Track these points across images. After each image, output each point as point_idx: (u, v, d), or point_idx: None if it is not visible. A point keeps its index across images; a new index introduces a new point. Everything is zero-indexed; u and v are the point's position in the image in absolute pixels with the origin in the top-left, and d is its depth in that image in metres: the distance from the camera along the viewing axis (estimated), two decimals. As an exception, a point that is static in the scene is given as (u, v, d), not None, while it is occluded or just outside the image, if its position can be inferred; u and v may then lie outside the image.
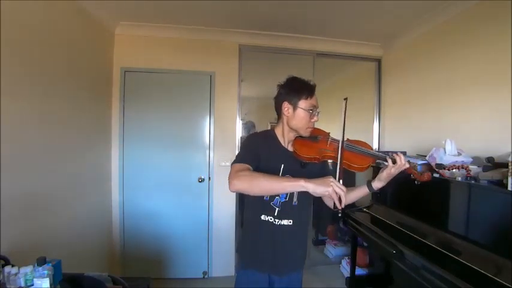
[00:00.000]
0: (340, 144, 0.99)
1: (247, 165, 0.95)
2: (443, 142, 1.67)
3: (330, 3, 2.00)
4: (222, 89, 2.60)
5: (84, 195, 2.02)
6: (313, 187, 0.82)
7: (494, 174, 1.38)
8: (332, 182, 0.82)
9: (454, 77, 1.97)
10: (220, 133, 2.60)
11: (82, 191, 1.99)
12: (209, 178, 2.57)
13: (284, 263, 1.11)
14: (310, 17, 2.26)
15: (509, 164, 1.22)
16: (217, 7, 2.11)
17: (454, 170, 1.54)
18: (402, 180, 1.99)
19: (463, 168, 1.52)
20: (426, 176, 0.99)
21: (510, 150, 1.40)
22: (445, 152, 1.64)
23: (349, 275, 2.40)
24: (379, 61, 2.89)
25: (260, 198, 1.06)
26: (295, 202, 1.08)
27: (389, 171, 0.98)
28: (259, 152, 1.04)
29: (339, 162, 0.94)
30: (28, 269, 0.92)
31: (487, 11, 1.73)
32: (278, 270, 1.11)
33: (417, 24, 2.28)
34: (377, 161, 1.02)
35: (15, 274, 0.91)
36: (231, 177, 0.91)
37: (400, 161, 0.96)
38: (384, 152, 1.04)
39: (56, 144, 1.68)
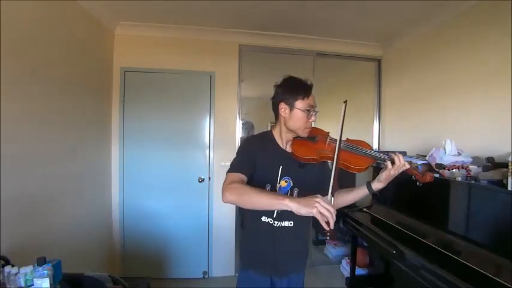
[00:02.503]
0: (336, 153, 0.94)
1: (240, 176, 0.95)
2: (443, 142, 1.67)
3: (330, 3, 2.00)
4: (222, 89, 2.60)
5: (84, 195, 2.02)
6: (297, 207, 0.76)
7: (494, 174, 1.38)
8: (317, 202, 0.74)
9: (454, 77, 1.97)
10: (220, 133, 2.60)
11: (82, 191, 1.99)
12: (209, 178, 2.57)
13: (285, 265, 1.11)
14: (310, 17, 2.26)
15: (509, 164, 1.23)
16: (217, 7, 2.11)
17: (454, 170, 1.55)
18: (402, 180, 1.99)
19: (463, 168, 1.52)
20: (429, 177, 0.94)
21: (510, 150, 1.40)
22: (445, 152, 1.64)
23: (349, 275, 2.40)
24: (379, 61, 2.89)
25: None
26: None
27: (388, 173, 0.94)
28: (255, 156, 1.03)
29: (333, 175, 0.88)
30: (28, 269, 0.92)
31: (487, 11, 1.73)
32: (279, 271, 1.11)
33: (417, 24, 2.28)
34: (377, 161, 1.00)
35: (15, 274, 0.90)
36: (223, 188, 0.91)
37: (399, 161, 0.92)
38: (384, 152, 1.02)
39: (56, 144, 1.68)
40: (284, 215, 1.05)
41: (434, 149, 1.72)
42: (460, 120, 1.92)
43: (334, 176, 0.88)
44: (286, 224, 1.06)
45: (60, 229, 1.69)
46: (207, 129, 2.60)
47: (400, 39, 2.56)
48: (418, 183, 0.96)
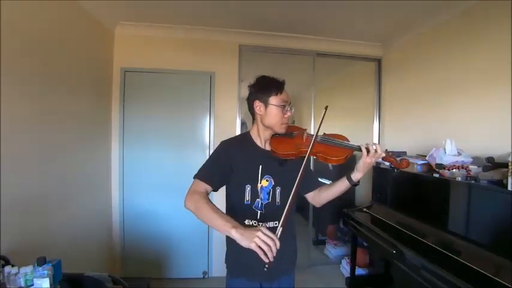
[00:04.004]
0: (296, 184, 0.91)
1: (205, 186, 0.98)
2: (443, 142, 1.67)
3: (330, 3, 2.00)
4: (222, 89, 2.60)
5: (84, 195, 2.02)
6: (240, 239, 0.78)
7: (494, 174, 1.38)
8: (257, 236, 0.76)
9: (454, 76, 1.97)
10: (220, 133, 2.60)
11: (82, 191, 1.99)
12: (209, 178, 2.57)
13: (274, 268, 1.06)
14: (310, 17, 2.26)
15: (509, 164, 1.23)
16: (217, 7, 2.11)
17: (454, 170, 1.55)
18: (402, 180, 2.00)
19: (463, 168, 1.52)
20: (405, 163, 0.96)
21: (510, 150, 1.40)
22: (445, 152, 1.64)
23: (349, 275, 2.40)
24: (379, 61, 2.89)
25: (240, 202, 1.05)
26: (278, 202, 1.05)
27: (364, 161, 0.94)
28: (229, 161, 1.04)
29: (288, 203, 0.87)
30: (28, 269, 0.92)
31: (487, 11, 1.73)
32: (268, 276, 1.05)
33: (417, 24, 2.28)
34: (355, 152, 0.99)
35: (15, 274, 0.91)
36: (187, 194, 0.95)
37: (375, 149, 0.93)
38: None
39: (56, 144, 1.68)
40: (268, 215, 1.04)
41: (434, 149, 1.72)
42: (460, 120, 1.92)
43: (290, 203, 0.86)
44: (271, 224, 1.03)
45: (60, 229, 1.69)
46: (207, 129, 2.60)
47: (400, 38, 2.56)
48: (395, 170, 0.98)
